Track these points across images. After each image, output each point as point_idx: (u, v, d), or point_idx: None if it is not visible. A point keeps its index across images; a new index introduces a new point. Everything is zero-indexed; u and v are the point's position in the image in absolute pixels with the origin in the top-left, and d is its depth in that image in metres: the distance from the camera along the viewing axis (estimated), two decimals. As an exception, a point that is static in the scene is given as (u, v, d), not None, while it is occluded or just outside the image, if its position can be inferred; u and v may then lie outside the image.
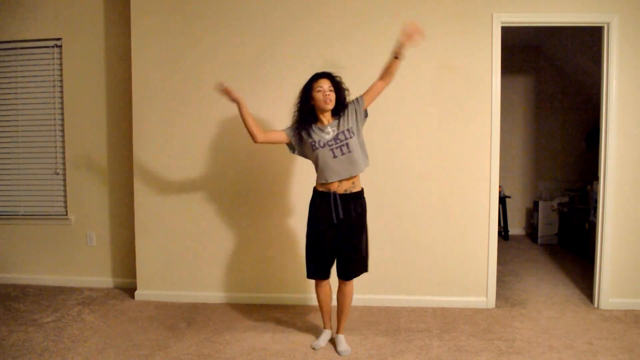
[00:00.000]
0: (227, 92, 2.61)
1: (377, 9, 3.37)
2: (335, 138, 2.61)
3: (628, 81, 3.25)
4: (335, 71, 2.70)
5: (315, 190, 2.72)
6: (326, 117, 2.68)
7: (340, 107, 2.68)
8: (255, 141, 2.70)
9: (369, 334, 2.93)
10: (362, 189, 2.73)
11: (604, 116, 3.29)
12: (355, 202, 2.66)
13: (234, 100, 2.62)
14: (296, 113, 2.72)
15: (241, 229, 3.55)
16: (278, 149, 3.41)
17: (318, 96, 2.62)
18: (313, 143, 2.62)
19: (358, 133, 2.67)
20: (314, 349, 2.73)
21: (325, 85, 2.62)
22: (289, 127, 2.75)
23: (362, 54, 3.37)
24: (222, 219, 3.55)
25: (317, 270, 2.72)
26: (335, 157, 2.60)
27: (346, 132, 2.62)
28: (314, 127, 2.66)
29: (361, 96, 2.70)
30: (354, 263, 2.69)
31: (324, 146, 2.60)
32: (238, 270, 3.57)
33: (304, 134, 2.67)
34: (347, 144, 2.60)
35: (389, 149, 3.41)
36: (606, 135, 3.28)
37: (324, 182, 2.63)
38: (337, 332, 2.80)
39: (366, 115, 2.74)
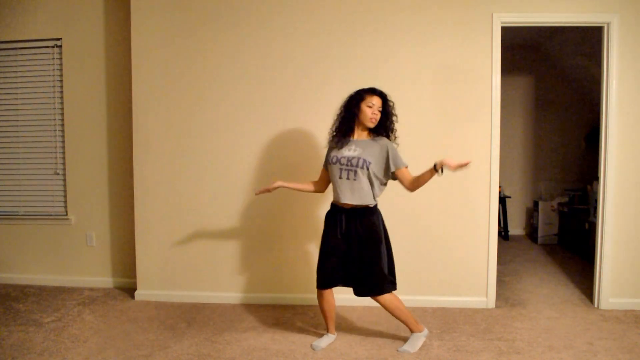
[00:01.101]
0: (266, 191, 2.68)
1: (378, 8, 3.37)
2: (350, 159, 2.56)
3: (628, 81, 3.26)
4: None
5: (332, 203, 2.71)
6: (360, 132, 2.65)
7: (381, 130, 2.64)
8: (322, 192, 2.80)
9: (369, 334, 2.93)
10: (374, 206, 2.64)
11: (604, 116, 3.29)
12: (363, 218, 2.59)
13: (275, 188, 2.68)
14: (337, 122, 2.68)
15: (241, 229, 3.54)
16: (277, 154, 3.41)
17: (366, 110, 2.58)
18: (331, 158, 2.62)
19: (373, 173, 2.57)
20: (313, 349, 2.74)
21: (377, 102, 2.59)
22: (325, 159, 2.74)
23: (363, 47, 3.37)
24: (222, 219, 3.55)
25: (323, 281, 2.68)
26: (340, 177, 2.58)
27: (362, 161, 2.54)
28: (344, 140, 2.62)
29: (399, 165, 2.61)
30: (365, 279, 2.60)
31: (336, 162, 2.59)
32: (238, 270, 3.57)
33: (334, 145, 2.65)
34: (355, 172, 2.55)
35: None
36: (606, 135, 3.28)
37: (336, 198, 2.64)
38: (413, 331, 2.76)
39: (392, 178, 2.66)
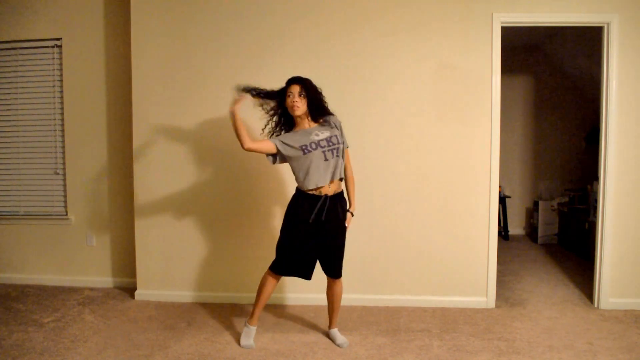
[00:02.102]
0: (238, 101, 2.63)
1: (378, 7, 3.37)
2: (328, 140, 2.63)
3: (628, 81, 3.26)
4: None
5: (300, 192, 2.68)
6: (305, 122, 2.70)
7: (317, 112, 2.68)
8: (243, 147, 2.60)
9: (369, 334, 2.93)
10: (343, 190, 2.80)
11: (604, 116, 3.29)
12: (340, 203, 2.72)
13: (235, 107, 2.60)
14: (274, 120, 2.76)
15: (241, 229, 3.54)
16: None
17: (287, 102, 2.65)
18: (304, 147, 2.59)
19: (335, 135, 2.69)
20: (242, 347, 2.75)
21: (295, 90, 2.63)
22: (276, 138, 2.69)
23: (363, 47, 3.38)
24: (223, 219, 3.55)
25: (282, 268, 2.74)
26: (326, 160, 2.61)
27: (338, 138, 2.66)
28: (298, 131, 2.68)
29: (345, 144, 2.74)
30: (340, 261, 2.76)
31: (316, 148, 2.60)
32: (238, 270, 3.57)
33: (289, 140, 2.64)
34: (338, 149, 2.64)
35: (388, 148, 3.41)
36: (606, 135, 3.28)
37: (313, 187, 2.61)
38: (330, 327, 2.88)
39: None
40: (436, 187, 3.41)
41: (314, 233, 2.66)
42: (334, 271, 2.74)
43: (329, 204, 2.63)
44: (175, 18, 3.50)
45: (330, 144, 2.62)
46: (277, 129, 2.77)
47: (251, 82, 3.42)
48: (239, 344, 2.78)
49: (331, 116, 2.73)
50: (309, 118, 2.70)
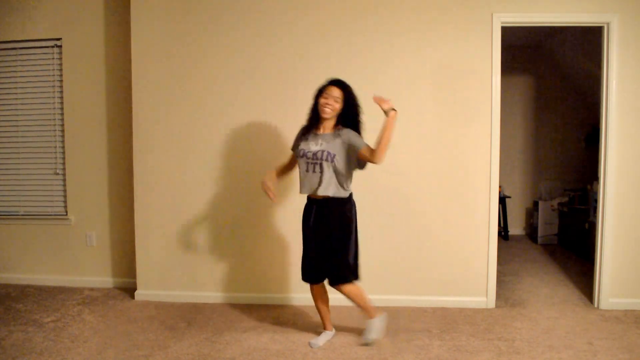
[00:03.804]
0: (270, 190, 2.68)
1: (378, 7, 3.37)
2: (315, 153, 2.58)
3: (628, 81, 3.25)
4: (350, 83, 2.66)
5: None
6: (324, 126, 2.65)
7: (346, 122, 2.63)
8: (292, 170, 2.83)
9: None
10: (347, 196, 2.67)
11: (604, 116, 3.29)
12: (334, 209, 2.62)
13: (269, 187, 2.68)
14: (308, 114, 2.73)
15: (241, 229, 3.54)
16: (280, 154, 3.41)
17: (320, 101, 2.60)
18: (299, 151, 2.65)
19: (340, 164, 2.58)
20: (311, 346, 2.74)
21: (333, 93, 2.58)
22: (294, 143, 2.77)
23: (363, 47, 3.38)
24: (222, 219, 3.55)
25: (303, 274, 2.76)
26: (307, 171, 2.62)
27: (326, 154, 2.56)
28: (312, 132, 2.66)
29: (359, 147, 2.58)
30: (335, 268, 2.64)
31: (302, 156, 2.62)
32: (238, 270, 3.57)
33: (302, 137, 2.68)
34: (320, 165, 2.57)
35: (388, 148, 3.41)
36: (606, 135, 3.28)
37: (304, 191, 2.68)
38: (367, 318, 2.79)
39: (361, 167, 2.67)
40: (436, 187, 3.41)
41: (313, 237, 2.69)
42: (328, 277, 2.69)
43: (316, 210, 2.64)
44: (176, 18, 3.50)
45: (315, 157, 2.57)
46: (306, 123, 2.72)
47: (251, 81, 3.42)
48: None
49: (344, 129, 2.61)
50: (334, 124, 2.64)
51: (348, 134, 2.61)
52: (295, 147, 2.75)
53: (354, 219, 2.70)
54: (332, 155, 2.57)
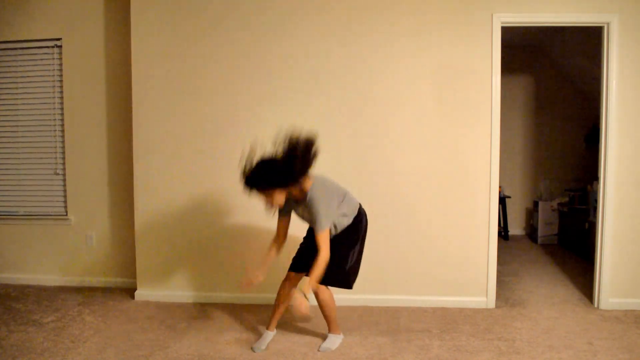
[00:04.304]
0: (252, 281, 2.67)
1: (378, 7, 3.37)
2: (304, 219, 2.68)
3: (628, 81, 3.25)
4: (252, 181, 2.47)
5: None
6: (294, 196, 2.55)
7: (298, 180, 2.43)
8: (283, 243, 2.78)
9: (369, 334, 2.93)
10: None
11: (604, 116, 3.29)
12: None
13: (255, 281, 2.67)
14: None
15: (242, 229, 3.54)
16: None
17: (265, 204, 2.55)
18: (286, 213, 2.70)
19: (312, 218, 2.49)
20: (254, 351, 2.70)
21: (259, 196, 2.49)
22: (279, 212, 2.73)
23: (363, 47, 3.38)
24: (222, 219, 3.55)
25: (293, 262, 2.80)
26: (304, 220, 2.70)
27: (305, 217, 2.64)
28: (291, 201, 2.61)
29: (315, 228, 2.48)
30: (328, 268, 2.49)
31: (295, 215, 2.70)
32: (238, 270, 3.56)
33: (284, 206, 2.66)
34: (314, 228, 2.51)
35: (388, 149, 3.41)
36: (606, 135, 3.28)
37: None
38: (328, 331, 2.82)
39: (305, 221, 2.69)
40: (436, 187, 3.41)
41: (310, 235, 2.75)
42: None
43: None
44: (176, 18, 3.50)
45: (308, 222, 2.67)
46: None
47: (251, 81, 3.41)
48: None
49: (309, 196, 2.48)
50: (298, 190, 2.51)
51: (311, 207, 2.48)
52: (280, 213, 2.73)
53: (362, 230, 2.70)
54: (307, 219, 2.63)
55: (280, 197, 2.46)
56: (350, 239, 2.67)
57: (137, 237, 3.62)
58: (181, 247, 3.59)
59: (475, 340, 2.83)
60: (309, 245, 2.69)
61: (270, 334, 2.81)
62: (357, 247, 2.71)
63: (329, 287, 2.67)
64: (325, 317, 2.77)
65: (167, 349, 2.73)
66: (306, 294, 2.36)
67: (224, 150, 3.51)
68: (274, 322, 2.83)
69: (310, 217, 2.54)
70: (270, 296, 3.52)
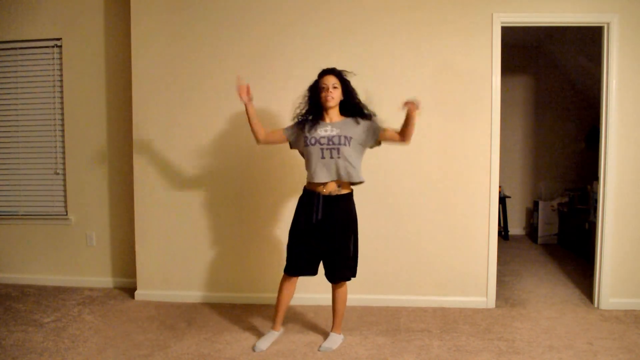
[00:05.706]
0: (244, 89, 2.64)
1: (377, 7, 3.37)
2: (330, 139, 2.58)
3: (628, 81, 3.26)
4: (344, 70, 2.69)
5: (304, 188, 2.74)
6: (330, 115, 2.67)
7: (349, 106, 2.67)
8: (258, 142, 2.75)
9: (369, 334, 2.93)
10: (350, 193, 2.70)
11: (604, 116, 3.29)
12: (339, 205, 2.63)
13: (246, 98, 2.64)
14: (302, 108, 2.73)
15: (242, 229, 3.54)
16: (279, 153, 3.41)
17: (321, 94, 2.63)
18: (307, 138, 2.63)
19: (358, 147, 2.64)
20: (254, 350, 2.70)
21: (329, 82, 2.62)
22: (288, 126, 2.77)
23: (363, 47, 3.38)
24: (223, 219, 3.55)
25: (291, 265, 2.70)
26: (323, 157, 2.59)
27: (343, 138, 2.57)
28: (319, 123, 2.66)
29: (381, 128, 2.64)
30: (339, 266, 2.66)
31: (314, 144, 2.60)
32: (238, 270, 3.57)
33: (306, 127, 2.67)
34: (338, 149, 2.56)
35: (388, 148, 3.40)
36: (606, 135, 3.28)
37: (310, 180, 2.65)
38: (332, 330, 2.83)
39: (378, 144, 2.71)
40: (436, 187, 3.41)
41: (314, 232, 2.64)
42: (330, 275, 2.70)
43: (323, 205, 2.61)
44: (176, 17, 3.50)
45: (331, 143, 2.57)
46: (303, 119, 2.72)
47: (251, 81, 3.41)
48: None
49: (368, 121, 2.66)
50: (339, 111, 2.68)
51: (370, 121, 2.66)
52: (292, 133, 2.74)
53: (355, 216, 2.73)
54: (349, 139, 2.59)
55: (338, 96, 2.63)
56: (356, 228, 2.72)
57: (137, 237, 3.62)
58: (181, 246, 3.59)
59: (475, 340, 2.83)
60: (309, 248, 2.66)
61: (275, 334, 2.81)
62: (357, 234, 2.76)
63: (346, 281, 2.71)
64: (337, 312, 2.78)
65: (167, 349, 2.73)
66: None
67: (225, 149, 3.51)
68: (279, 322, 2.82)
69: (363, 128, 2.63)
70: (270, 296, 3.53)
